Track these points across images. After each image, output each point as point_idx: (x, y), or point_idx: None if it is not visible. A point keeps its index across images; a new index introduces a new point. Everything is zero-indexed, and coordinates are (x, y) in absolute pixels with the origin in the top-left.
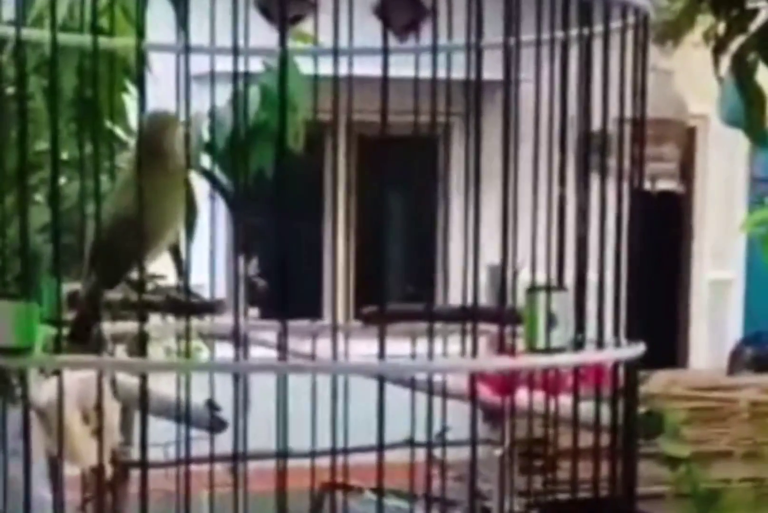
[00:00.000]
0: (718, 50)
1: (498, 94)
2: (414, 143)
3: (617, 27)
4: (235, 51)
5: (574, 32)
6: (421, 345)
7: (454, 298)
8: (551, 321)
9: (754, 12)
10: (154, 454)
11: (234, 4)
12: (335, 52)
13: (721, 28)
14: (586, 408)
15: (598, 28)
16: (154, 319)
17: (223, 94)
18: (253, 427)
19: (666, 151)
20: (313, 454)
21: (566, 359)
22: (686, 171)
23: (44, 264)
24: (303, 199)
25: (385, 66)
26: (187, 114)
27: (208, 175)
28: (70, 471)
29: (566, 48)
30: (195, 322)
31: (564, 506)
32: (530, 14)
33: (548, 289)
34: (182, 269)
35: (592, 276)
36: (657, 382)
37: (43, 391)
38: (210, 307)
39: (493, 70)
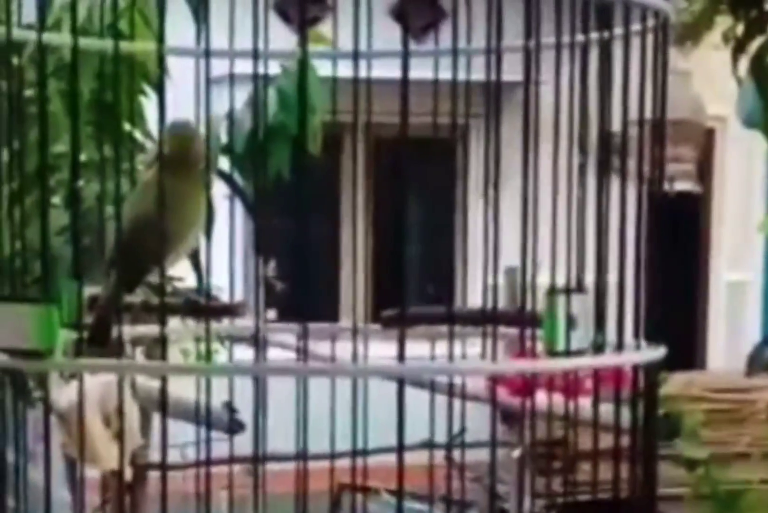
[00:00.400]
0: (737, 51)
1: (518, 96)
2: (432, 145)
3: (637, 30)
4: (255, 54)
5: (594, 35)
6: (441, 348)
7: (474, 301)
8: (571, 323)
9: None
10: (171, 456)
11: (254, 7)
12: (355, 55)
13: (740, 29)
14: (606, 410)
15: (618, 30)
16: (172, 322)
17: (240, 96)
18: (270, 429)
19: (684, 152)
20: (332, 456)
21: (586, 362)
22: (704, 172)
23: (63, 267)
24: (321, 201)
25: (405, 69)
26: (208, 117)
27: (226, 177)
28: (89, 473)
29: (586, 51)
30: (213, 324)
31: (583, 508)
32: (551, 17)
33: (568, 291)
34: (201, 272)
35: (612, 278)
36: (675, 383)
37: (63, 394)
38: (231, 310)
39: (512, 71)
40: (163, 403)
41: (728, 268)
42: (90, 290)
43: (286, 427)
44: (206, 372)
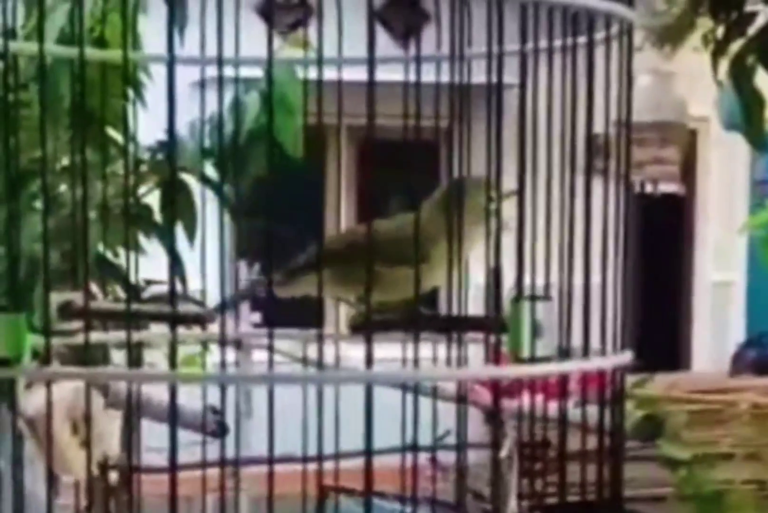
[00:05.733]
0: (717, 54)
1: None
2: (413, 148)
3: (602, 37)
4: (220, 62)
5: (558, 42)
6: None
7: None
8: (536, 330)
9: (753, 15)
10: (158, 460)
11: (218, 13)
12: (319, 62)
13: (720, 31)
14: (589, 413)
15: (583, 38)
16: (156, 327)
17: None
18: (255, 433)
19: (667, 153)
20: (304, 459)
21: (552, 368)
22: (688, 173)
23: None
24: (304, 203)
25: (371, 74)
26: (172, 123)
27: (208, 181)
28: (69, 478)
29: (551, 58)
30: (196, 329)
31: (567, 509)
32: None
33: (533, 298)
34: (184, 277)
35: (578, 282)
36: (658, 385)
37: (31, 401)
38: (199, 318)
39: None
40: (128, 408)
41: (713, 269)
42: (65, 296)
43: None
44: (174, 379)
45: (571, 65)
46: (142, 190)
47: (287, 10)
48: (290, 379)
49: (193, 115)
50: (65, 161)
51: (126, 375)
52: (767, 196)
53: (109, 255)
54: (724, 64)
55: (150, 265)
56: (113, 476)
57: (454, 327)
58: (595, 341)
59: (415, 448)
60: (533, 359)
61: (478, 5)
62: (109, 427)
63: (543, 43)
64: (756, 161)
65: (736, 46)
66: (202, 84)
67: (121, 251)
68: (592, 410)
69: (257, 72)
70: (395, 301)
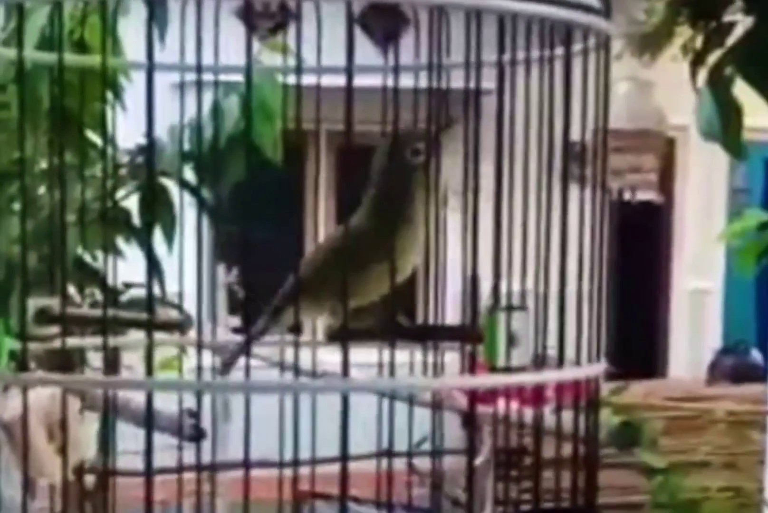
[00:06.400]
0: (696, 63)
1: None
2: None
3: (579, 49)
4: (199, 69)
5: (536, 53)
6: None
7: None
8: (511, 340)
9: (731, 25)
10: (134, 463)
11: (198, 20)
12: (298, 68)
13: (699, 40)
14: (564, 420)
15: (560, 50)
16: (136, 332)
17: (204, 103)
18: (235, 437)
19: (646, 161)
20: (280, 465)
21: (527, 378)
22: (666, 182)
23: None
24: (283, 208)
25: (349, 82)
26: (150, 128)
27: (187, 185)
28: (45, 481)
29: (529, 68)
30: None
31: None
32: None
33: (509, 308)
34: (162, 282)
35: (553, 290)
36: (635, 392)
37: (8, 406)
38: (175, 325)
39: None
40: (105, 413)
41: (690, 277)
42: (42, 302)
43: (257, 434)
44: (149, 386)
45: (548, 77)
46: (121, 193)
47: (267, 16)
48: (267, 387)
49: (173, 117)
50: (44, 164)
51: (102, 382)
52: (745, 204)
53: (88, 258)
54: (702, 74)
55: (129, 268)
56: (89, 479)
57: (431, 336)
58: (571, 349)
59: (390, 453)
60: (509, 369)
61: (457, 15)
62: (86, 431)
63: (521, 54)
64: (734, 170)
65: (714, 55)
66: (181, 88)
67: (100, 255)
68: (568, 417)
69: (237, 76)
70: (374, 302)
